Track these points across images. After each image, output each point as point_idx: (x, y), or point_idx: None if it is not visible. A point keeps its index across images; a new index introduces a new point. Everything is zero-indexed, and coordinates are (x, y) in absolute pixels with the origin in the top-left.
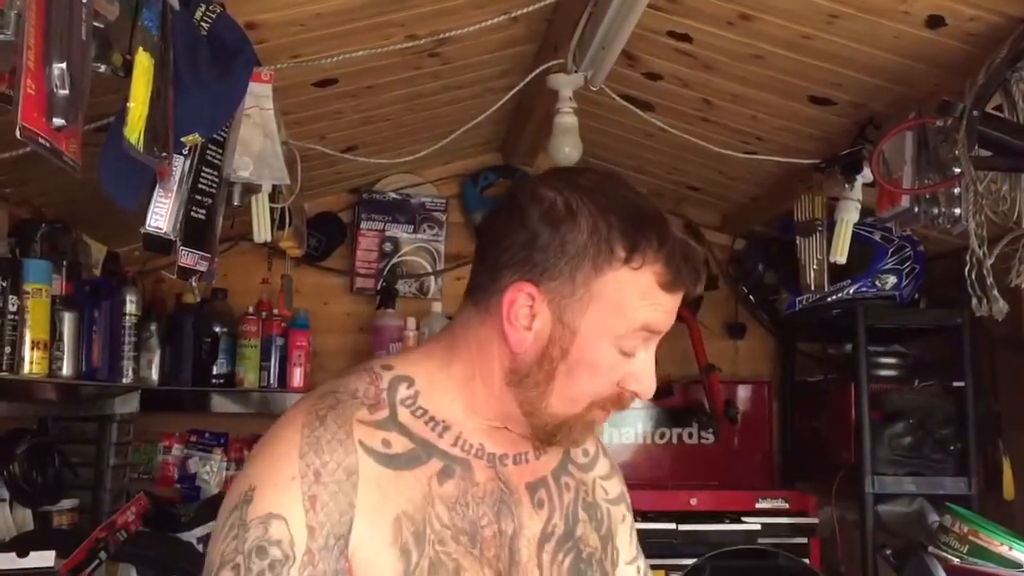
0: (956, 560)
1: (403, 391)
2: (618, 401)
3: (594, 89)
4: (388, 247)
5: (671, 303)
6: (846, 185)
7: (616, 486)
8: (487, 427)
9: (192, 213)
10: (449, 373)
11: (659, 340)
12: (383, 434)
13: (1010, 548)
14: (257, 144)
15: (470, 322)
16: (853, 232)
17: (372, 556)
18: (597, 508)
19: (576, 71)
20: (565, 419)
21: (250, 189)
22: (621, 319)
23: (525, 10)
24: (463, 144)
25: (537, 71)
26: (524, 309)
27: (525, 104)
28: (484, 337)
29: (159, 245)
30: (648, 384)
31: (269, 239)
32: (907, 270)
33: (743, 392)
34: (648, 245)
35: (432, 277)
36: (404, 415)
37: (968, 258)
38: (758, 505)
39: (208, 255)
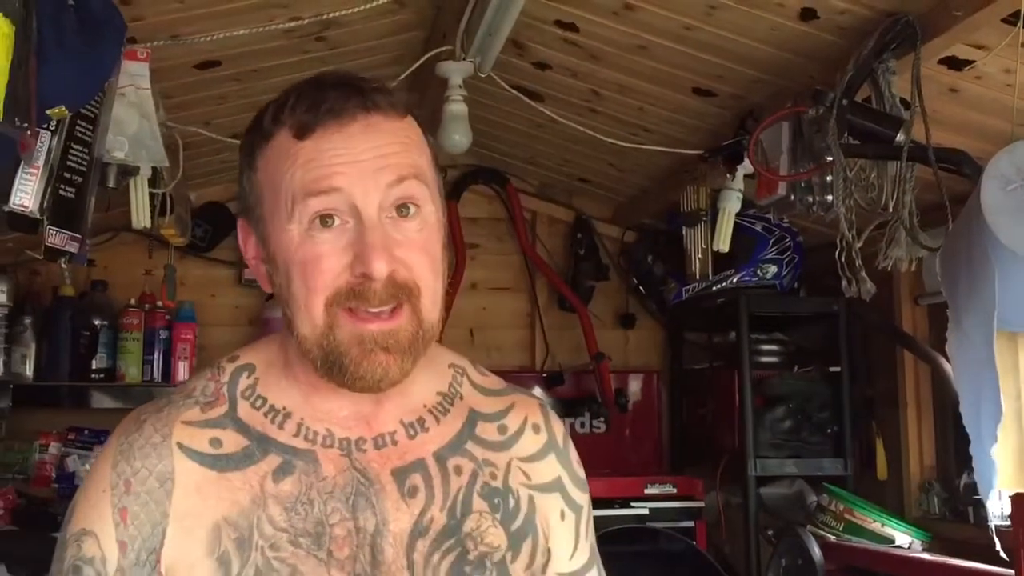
0: (832, 537)
1: (243, 381)
2: (355, 293)
3: (483, 76)
4: None
5: (325, 148)
6: (728, 175)
7: (548, 471)
8: (337, 406)
9: (61, 192)
10: (281, 350)
11: (378, 195)
12: (213, 433)
13: (882, 525)
14: (133, 125)
15: None
16: (736, 223)
17: (184, 568)
18: (508, 496)
19: (465, 58)
20: (318, 341)
21: (127, 172)
22: (279, 192)
23: None
24: None
25: (425, 57)
26: (248, 246)
27: (415, 93)
28: None
29: (24, 224)
30: (368, 258)
31: (148, 225)
32: (787, 260)
33: (633, 381)
34: (280, 103)
35: None
36: (244, 408)
37: (838, 242)
38: (647, 490)
39: (78, 236)
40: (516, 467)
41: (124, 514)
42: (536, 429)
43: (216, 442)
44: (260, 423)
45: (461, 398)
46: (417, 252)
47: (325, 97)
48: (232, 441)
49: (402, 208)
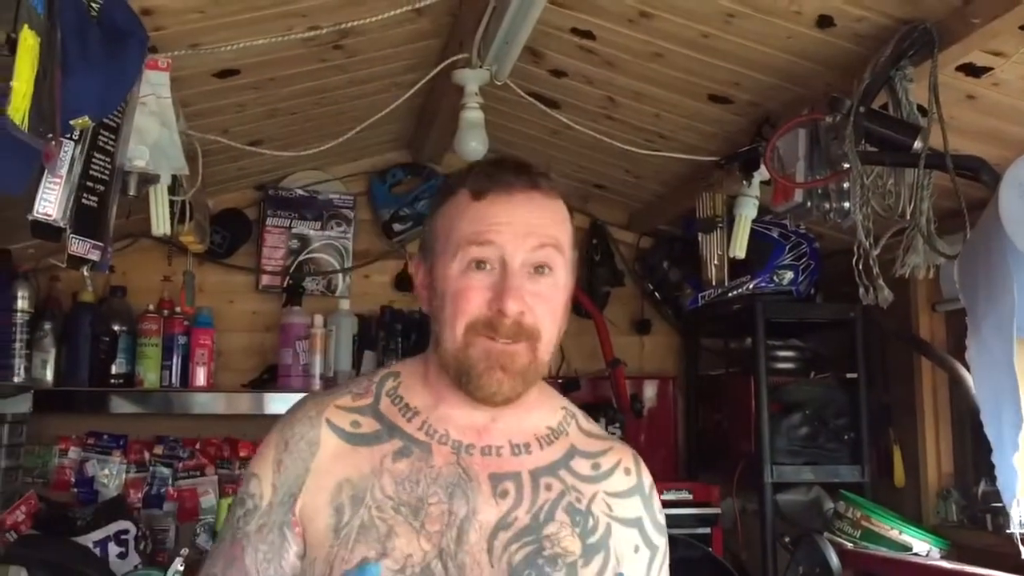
0: (850, 545)
1: (389, 383)
2: (490, 324)
3: (499, 84)
4: (295, 244)
5: (491, 209)
6: (744, 182)
7: (631, 509)
8: (462, 413)
9: (83, 200)
10: (424, 364)
11: (521, 252)
12: (356, 417)
13: (900, 532)
14: (154, 133)
15: None
16: (752, 229)
17: (312, 511)
18: (588, 517)
19: (481, 66)
20: (456, 354)
21: (147, 179)
22: (451, 237)
23: (428, 1)
24: (371, 141)
25: (442, 65)
26: (417, 274)
27: (432, 100)
28: None
29: (47, 232)
30: (504, 298)
31: (168, 232)
32: (803, 266)
33: (649, 387)
34: (466, 175)
35: (340, 275)
36: (384, 403)
37: (856, 249)
38: (662, 496)
39: (101, 244)
40: (601, 498)
41: (280, 465)
42: (627, 472)
43: (356, 424)
44: (393, 415)
45: (567, 435)
46: (544, 304)
47: (500, 171)
48: (368, 425)
49: (539, 268)
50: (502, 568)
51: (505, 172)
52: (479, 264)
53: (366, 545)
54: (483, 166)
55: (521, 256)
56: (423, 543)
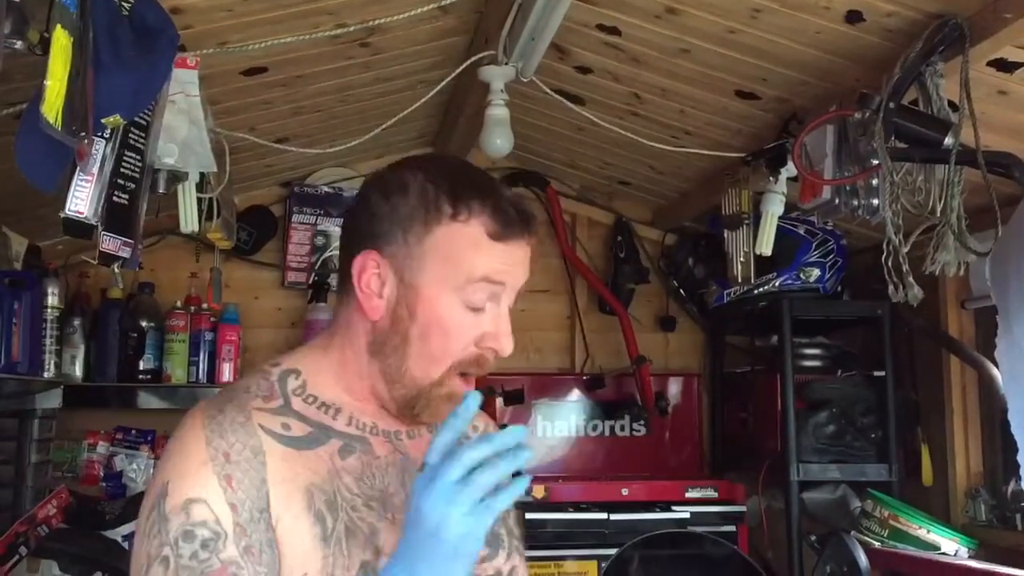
0: (877, 544)
1: (292, 382)
2: (477, 362)
3: (525, 81)
4: (320, 241)
5: (507, 253)
6: (771, 178)
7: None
8: (376, 407)
9: (114, 198)
10: (329, 359)
11: (513, 295)
12: (281, 419)
13: (928, 531)
14: (183, 131)
15: (339, 308)
16: (778, 226)
17: (291, 523)
18: None
19: (507, 63)
20: (424, 387)
21: (176, 177)
22: (457, 270)
23: None
24: (396, 138)
25: (468, 62)
26: (373, 276)
27: (457, 97)
28: (349, 317)
29: (79, 230)
30: (504, 341)
31: (196, 229)
32: (830, 263)
33: (673, 384)
34: (472, 199)
35: None
36: (297, 403)
37: (885, 246)
38: (688, 494)
39: (131, 241)
40: None
41: (229, 480)
42: (475, 428)
43: (286, 427)
44: (315, 415)
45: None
46: None
47: (514, 217)
48: (298, 427)
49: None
50: None
51: (523, 219)
52: (478, 306)
53: (360, 548)
54: (497, 204)
55: (514, 297)
56: (399, 532)
